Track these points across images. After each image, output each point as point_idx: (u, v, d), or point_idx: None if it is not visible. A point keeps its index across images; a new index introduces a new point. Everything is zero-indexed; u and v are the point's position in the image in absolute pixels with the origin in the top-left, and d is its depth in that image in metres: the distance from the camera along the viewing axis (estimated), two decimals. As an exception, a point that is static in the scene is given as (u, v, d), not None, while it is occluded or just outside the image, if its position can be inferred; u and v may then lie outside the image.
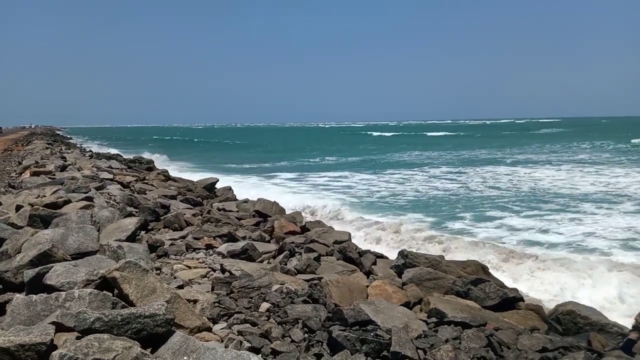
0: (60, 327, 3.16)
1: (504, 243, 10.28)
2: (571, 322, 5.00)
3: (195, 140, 67.34)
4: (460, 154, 36.73)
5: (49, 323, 3.19)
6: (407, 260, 6.53)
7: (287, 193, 17.56)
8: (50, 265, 4.33)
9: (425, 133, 78.92)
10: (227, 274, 5.66)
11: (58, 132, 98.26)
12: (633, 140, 38.90)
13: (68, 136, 72.01)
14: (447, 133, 78.45)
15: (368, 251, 7.45)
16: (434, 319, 4.72)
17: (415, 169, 26.19)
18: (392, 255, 7.90)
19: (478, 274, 6.42)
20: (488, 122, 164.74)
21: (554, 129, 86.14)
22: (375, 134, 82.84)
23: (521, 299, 5.68)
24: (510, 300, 5.57)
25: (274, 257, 6.80)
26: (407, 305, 5.18)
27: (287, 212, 11.11)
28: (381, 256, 7.54)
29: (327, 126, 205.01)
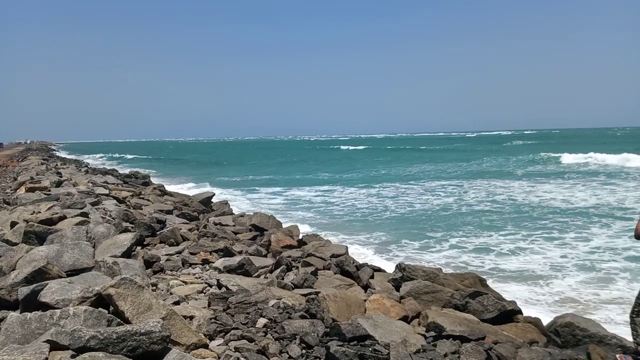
0: (54, 346, 3.12)
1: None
2: (570, 334, 4.98)
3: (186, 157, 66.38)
4: (457, 167, 36.86)
5: (44, 341, 3.15)
6: (404, 273, 6.50)
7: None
8: (45, 282, 4.29)
9: (425, 147, 78.69)
10: (223, 289, 5.63)
11: (52, 147, 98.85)
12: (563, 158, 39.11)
13: (60, 153, 71.39)
14: (446, 146, 78.64)
15: (365, 264, 7.42)
16: (432, 333, 4.69)
17: (411, 183, 26.07)
18: (390, 268, 7.89)
19: (476, 287, 6.41)
20: (473, 135, 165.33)
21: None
22: (365, 147, 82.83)
23: (519, 312, 5.65)
24: (509, 313, 5.55)
25: (271, 271, 6.76)
26: (405, 319, 5.15)
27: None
28: (379, 269, 7.52)
29: (319, 139, 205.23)
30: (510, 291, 7.95)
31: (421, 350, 4.20)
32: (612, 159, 32.74)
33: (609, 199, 17.50)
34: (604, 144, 52.88)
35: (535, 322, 5.46)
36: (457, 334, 4.53)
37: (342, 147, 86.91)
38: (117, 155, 68.69)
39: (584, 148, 42.11)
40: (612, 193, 19.09)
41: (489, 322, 5.32)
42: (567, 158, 37.01)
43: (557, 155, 39.36)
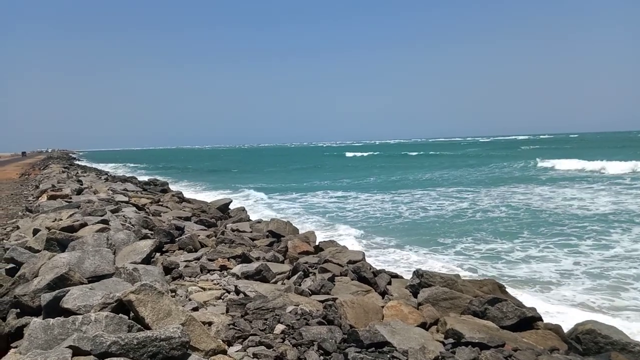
0: (77, 351, 3.18)
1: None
2: (592, 341, 4.90)
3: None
4: (473, 172, 36.50)
5: (66, 347, 3.20)
6: (422, 279, 6.46)
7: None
8: (67, 288, 4.37)
9: (440, 152, 77.91)
10: (241, 295, 5.66)
11: (72, 156, 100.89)
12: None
13: (80, 162, 72.13)
14: (461, 151, 77.89)
15: (383, 271, 7.40)
16: (451, 340, 4.66)
17: (426, 189, 25.67)
18: (407, 274, 7.84)
19: (495, 293, 6.33)
20: (488, 139, 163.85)
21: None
22: (379, 153, 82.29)
23: (540, 319, 5.57)
24: (529, 320, 5.47)
25: (288, 277, 6.78)
26: (424, 326, 5.12)
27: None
28: (396, 276, 7.48)
29: (332, 145, 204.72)
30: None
31: (440, 357, 4.17)
32: (619, 166, 31.90)
33: (630, 206, 17.11)
34: (621, 148, 51.94)
35: (556, 329, 5.38)
36: (477, 340, 4.49)
37: (356, 153, 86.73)
38: (142, 165, 68.85)
39: (596, 153, 41.28)
40: (636, 198, 18.70)
41: (508, 329, 5.25)
42: (575, 164, 36.37)
43: (564, 160, 38.82)
